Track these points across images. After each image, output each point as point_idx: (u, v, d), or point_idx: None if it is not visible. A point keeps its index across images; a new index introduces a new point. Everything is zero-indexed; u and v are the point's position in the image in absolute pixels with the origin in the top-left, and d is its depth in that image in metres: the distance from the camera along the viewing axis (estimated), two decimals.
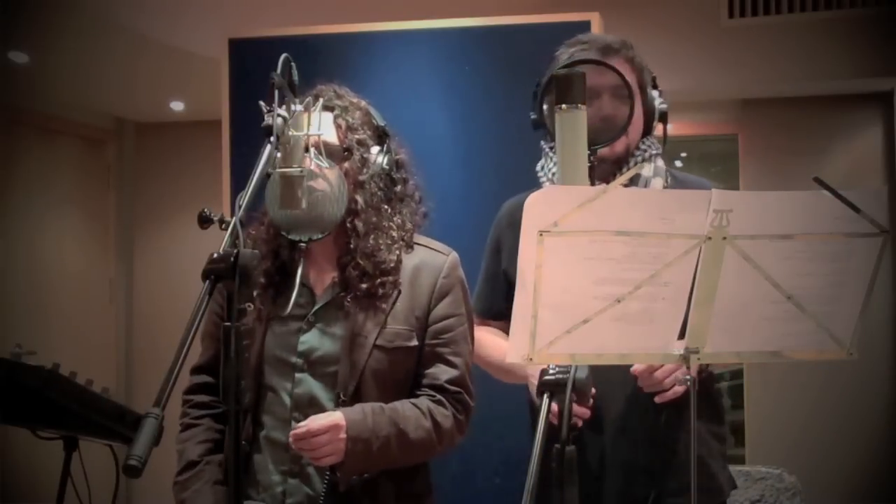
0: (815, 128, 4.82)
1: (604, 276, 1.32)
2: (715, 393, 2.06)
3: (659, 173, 2.01)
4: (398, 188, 1.96)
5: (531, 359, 1.33)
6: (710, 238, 1.31)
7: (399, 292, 1.89)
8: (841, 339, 1.40)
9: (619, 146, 1.96)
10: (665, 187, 1.97)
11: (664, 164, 2.04)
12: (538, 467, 1.32)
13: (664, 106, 2.05)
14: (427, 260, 1.93)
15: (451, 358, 1.91)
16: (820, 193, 1.30)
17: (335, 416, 1.77)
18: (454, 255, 1.97)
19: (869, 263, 1.35)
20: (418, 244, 1.96)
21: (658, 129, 2.04)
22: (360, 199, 1.88)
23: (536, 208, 1.27)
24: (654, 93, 2.04)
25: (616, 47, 2.00)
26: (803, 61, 4.24)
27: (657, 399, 1.78)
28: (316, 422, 1.75)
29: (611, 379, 1.84)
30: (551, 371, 1.39)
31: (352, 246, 1.87)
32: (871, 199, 1.31)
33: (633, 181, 1.96)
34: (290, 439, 1.75)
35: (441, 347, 1.91)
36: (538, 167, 2.05)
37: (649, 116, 2.02)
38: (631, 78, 1.97)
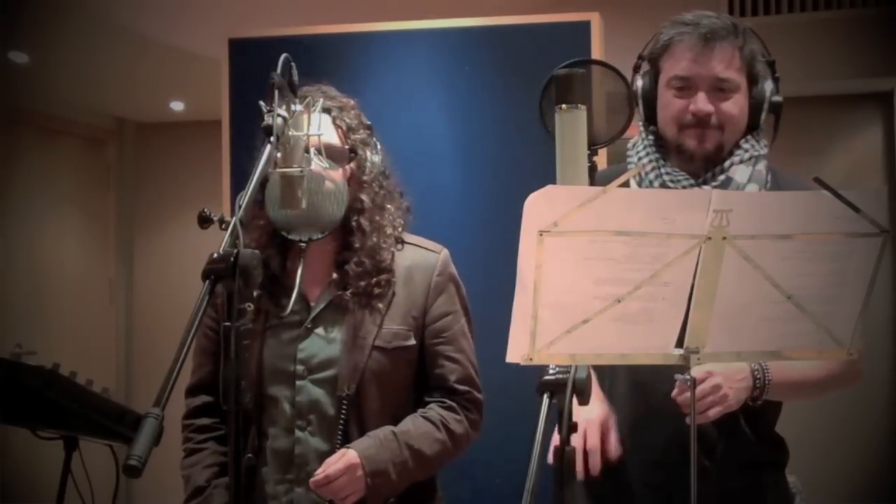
0: (815, 128, 4.82)
1: (604, 276, 1.32)
2: (771, 420, 1.91)
3: (756, 179, 1.83)
4: (388, 182, 1.96)
5: (531, 359, 1.33)
6: (710, 238, 1.30)
7: (394, 293, 1.89)
8: (841, 339, 1.40)
9: (710, 143, 1.81)
10: None
11: (766, 166, 1.86)
12: (538, 467, 1.32)
13: (778, 98, 1.87)
14: (419, 259, 1.93)
15: (455, 355, 1.91)
16: (820, 193, 1.30)
17: (349, 456, 1.77)
18: (445, 251, 1.97)
19: (869, 263, 1.35)
20: (408, 243, 1.95)
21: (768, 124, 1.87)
22: (365, 198, 1.88)
23: (536, 208, 1.27)
24: (768, 83, 1.86)
25: (722, 33, 1.80)
26: (803, 61, 4.24)
27: (688, 420, 1.65)
28: (332, 466, 1.75)
29: (653, 412, 1.82)
30: (551, 371, 1.39)
31: (357, 245, 1.87)
32: (871, 199, 1.30)
33: (723, 186, 1.81)
34: (311, 486, 1.76)
35: (443, 346, 1.91)
36: (630, 144, 1.93)
37: (755, 110, 1.85)
38: (736, 72, 1.81)
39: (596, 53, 2.89)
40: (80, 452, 2.07)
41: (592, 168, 1.49)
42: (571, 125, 1.42)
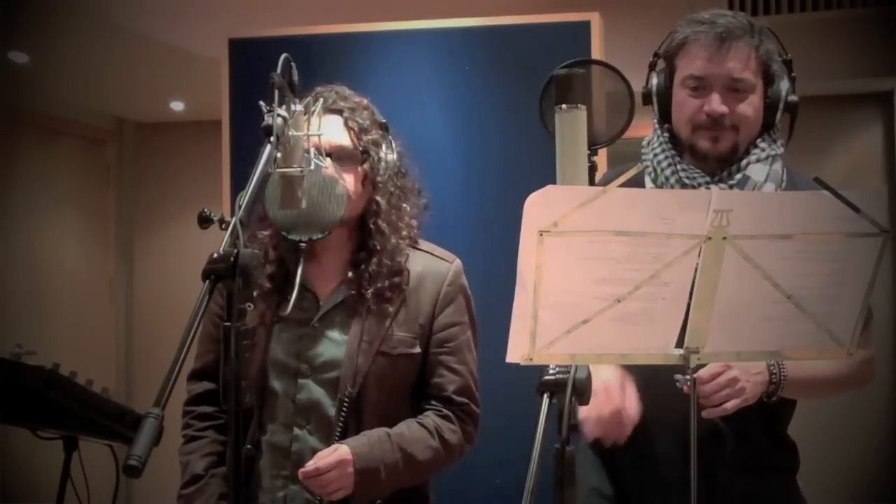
0: (815, 128, 4.82)
1: (604, 276, 1.32)
2: (784, 423, 1.90)
3: (773, 178, 1.81)
4: (404, 180, 1.96)
5: (531, 359, 1.33)
6: (710, 238, 1.30)
7: (403, 299, 1.89)
8: (841, 339, 1.40)
9: (724, 144, 1.80)
10: None
11: (782, 166, 1.85)
12: (538, 467, 1.32)
13: (794, 98, 1.84)
14: (431, 267, 1.93)
15: (457, 367, 1.91)
16: (820, 193, 1.30)
17: (341, 451, 1.77)
18: (458, 262, 1.97)
19: (869, 263, 1.35)
20: (422, 250, 1.96)
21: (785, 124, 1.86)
22: (380, 199, 1.89)
23: (536, 208, 1.27)
24: (784, 83, 1.84)
25: (738, 33, 1.77)
26: (803, 61, 4.22)
27: (704, 414, 1.66)
28: (323, 459, 1.75)
29: (662, 411, 1.80)
30: (551, 371, 1.39)
31: (378, 247, 1.87)
32: (871, 199, 1.30)
33: (740, 185, 1.79)
34: (300, 477, 1.76)
35: (446, 356, 1.91)
36: (644, 142, 1.92)
37: (771, 109, 1.83)
38: (752, 72, 1.79)
39: (596, 53, 2.89)
40: (80, 452, 2.07)
41: (592, 168, 1.49)
42: (571, 125, 1.42)
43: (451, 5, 3.34)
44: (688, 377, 1.40)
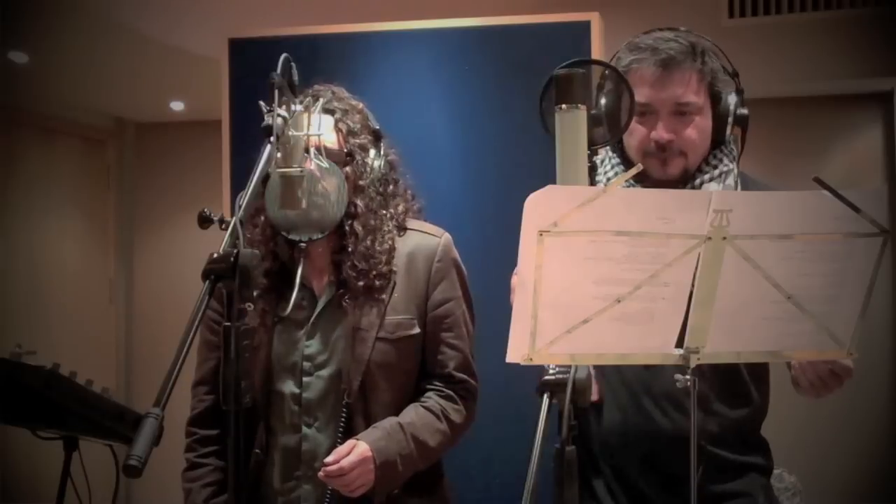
0: (815, 128, 4.82)
1: (604, 276, 1.32)
2: (757, 424, 1.92)
3: None
4: (390, 188, 1.96)
5: (531, 359, 1.33)
6: (710, 238, 1.31)
7: (395, 282, 1.90)
8: (841, 339, 1.40)
9: (673, 168, 1.82)
10: None
11: (735, 178, 1.85)
12: (538, 467, 1.32)
13: (743, 111, 1.85)
14: (420, 244, 1.94)
15: (455, 342, 1.93)
16: (820, 193, 1.30)
17: (362, 449, 1.77)
18: (447, 236, 1.98)
19: (869, 263, 1.35)
20: (411, 228, 1.96)
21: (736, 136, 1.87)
22: (359, 202, 1.89)
23: (536, 208, 1.27)
24: (731, 97, 1.85)
25: (680, 58, 1.79)
26: (803, 61, 4.24)
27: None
28: (346, 459, 1.75)
29: (636, 423, 1.80)
30: (551, 371, 1.39)
31: (350, 249, 1.88)
32: (871, 199, 1.31)
33: None
34: (321, 475, 1.76)
35: (444, 333, 1.92)
36: (598, 160, 1.89)
37: (721, 126, 1.85)
38: (695, 94, 1.80)
39: (596, 53, 2.89)
40: (80, 452, 2.07)
41: (592, 168, 1.49)
42: (571, 125, 1.43)
43: (451, 5, 3.34)
44: (688, 377, 1.40)
